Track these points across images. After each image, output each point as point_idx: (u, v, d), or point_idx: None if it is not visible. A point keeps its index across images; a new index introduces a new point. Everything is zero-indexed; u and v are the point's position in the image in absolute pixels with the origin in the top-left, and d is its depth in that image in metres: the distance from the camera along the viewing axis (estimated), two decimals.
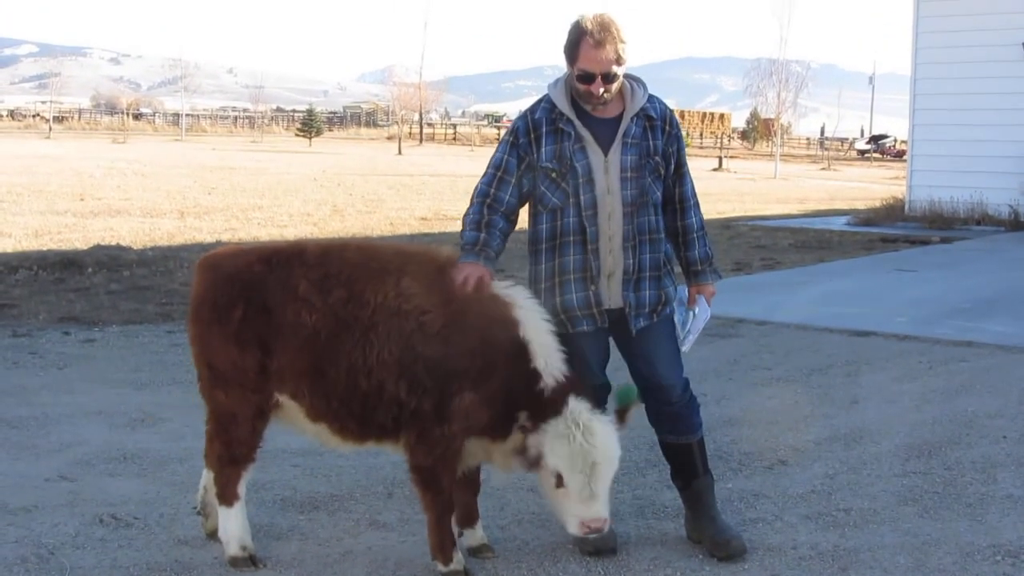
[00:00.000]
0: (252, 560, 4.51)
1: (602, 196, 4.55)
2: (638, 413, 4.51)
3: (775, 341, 9.43)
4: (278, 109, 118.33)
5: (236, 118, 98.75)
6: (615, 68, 4.46)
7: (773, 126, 57.56)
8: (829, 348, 9.12)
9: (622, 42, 4.47)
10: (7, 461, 5.84)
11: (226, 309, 4.40)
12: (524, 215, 4.75)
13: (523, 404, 4.20)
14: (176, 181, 27.99)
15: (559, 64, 4.63)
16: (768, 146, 68.94)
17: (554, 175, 4.55)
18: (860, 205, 25.18)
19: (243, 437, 4.47)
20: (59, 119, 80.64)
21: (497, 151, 4.65)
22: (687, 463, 4.85)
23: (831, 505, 5.32)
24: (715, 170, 46.15)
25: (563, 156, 4.54)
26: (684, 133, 5.09)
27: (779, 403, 7.34)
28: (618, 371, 4.83)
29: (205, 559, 4.59)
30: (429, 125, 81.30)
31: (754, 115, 77.99)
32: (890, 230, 19.70)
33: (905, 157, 24.28)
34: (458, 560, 4.38)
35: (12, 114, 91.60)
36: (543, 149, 4.56)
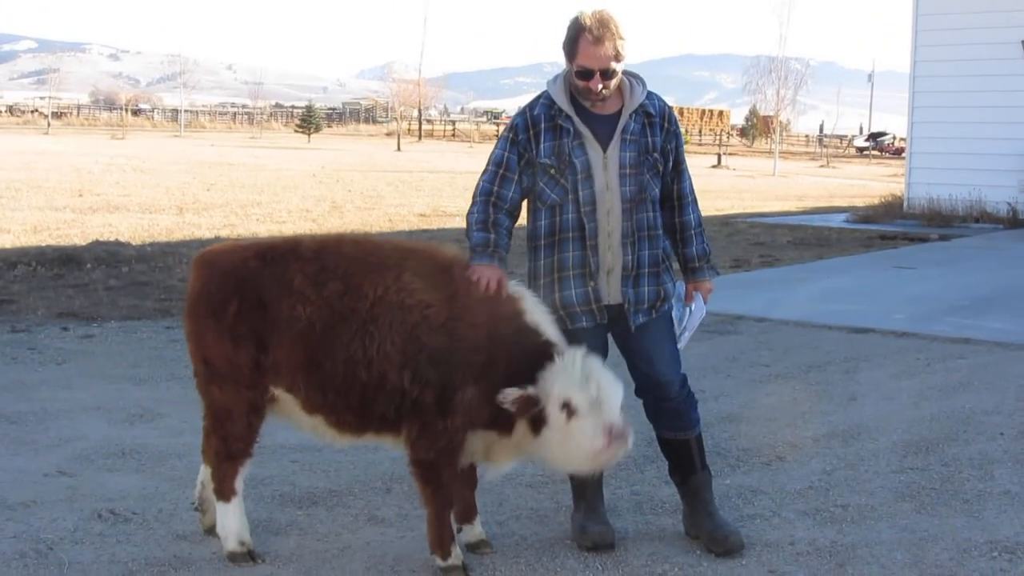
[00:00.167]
0: (251, 555, 4.51)
1: (601, 192, 4.56)
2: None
3: (774, 338, 9.44)
4: (277, 105, 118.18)
5: (235, 114, 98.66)
6: (614, 64, 4.47)
7: (772, 123, 57.54)
8: (827, 345, 9.13)
9: (621, 38, 4.47)
10: (6, 456, 5.84)
11: (221, 305, 4.41)
12: (523, 210, 4.75)
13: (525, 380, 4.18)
14: (175, 177, 27.98)
15: (558, 61, 4.64)
16: (767, 143, 68.97)
17: (553, 171, 4.56)
18: (859, 202, 25.21)
19: (239, 432, 4.48)
20: (58, 115, 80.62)
21: (497, 148, 4.66)
22: (685, 459, 4.86)
23: (829, 501, 5.33)
24: (714, 167, 46.18)
25: (562, 152, 4.54)
26: (683, 130, 5.09)
27: (777, 399, 7.35)
28: (617, 367, 4.82)
29: (204, 554, 4.60)
30: (428, 121, 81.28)
31: (753, 112, 78.06)
32: (889, 227, 19.72)
33: (904, 154, 24.28)
34: (456, 555, 4.39)
35: (11, 110, 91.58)
36: (542, 145, 4.56)
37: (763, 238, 17.92)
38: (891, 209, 21.95)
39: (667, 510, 5.17)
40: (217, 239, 14.03)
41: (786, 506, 5.27)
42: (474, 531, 4.67)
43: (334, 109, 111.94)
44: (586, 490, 4.81)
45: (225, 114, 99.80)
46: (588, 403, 4.07)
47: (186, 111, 79.12)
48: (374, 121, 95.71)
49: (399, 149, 54.67)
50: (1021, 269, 14.40)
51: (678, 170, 4.77)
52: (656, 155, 4.63)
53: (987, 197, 20.22)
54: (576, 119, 4.56)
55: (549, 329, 4.35)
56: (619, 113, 4.60)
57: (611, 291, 4.62)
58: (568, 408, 4.09)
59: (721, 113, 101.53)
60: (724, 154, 52.48)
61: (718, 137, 78.95)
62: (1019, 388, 7.54)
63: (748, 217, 21.86)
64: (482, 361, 4.21)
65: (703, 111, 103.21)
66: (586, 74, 4.48)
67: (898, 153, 60.61)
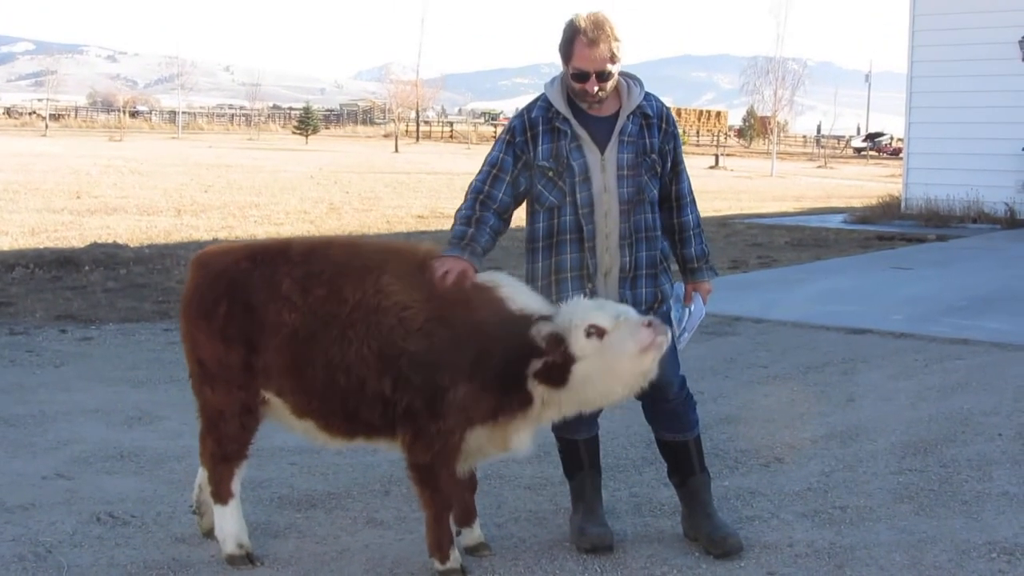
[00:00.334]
0: (249, 558, 4.51)
1: (599, 194, 4.56)
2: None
3: (772, 339, 9.44)
4: (275, 107, 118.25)
5: (233, 116, 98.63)
6: (609, 66, 4.47)
7: (770, 124, 57.55)
8: (825, 346, 9.14)
9: (616, 40, 4.47)
10: (4, 459, 5.84)
11: (212, 305, 4.42)
12: (521, 213, 4.75)
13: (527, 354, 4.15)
14: (173, 179, 27.98)
15: (556, 62, 4.64)
16: (765, 144, 68.96)
17: (551, 174, 4.56)
18: (856, 203, 25.22)
19: (233, 434, 4.48)
20: (55, 117, 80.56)
21: (493, 149, 4.66)
22: (684, 461, 4.86)
23: (827, 503, 5.33)
24: (711, 168, 46.21)
25: (559, 155, 4.54)
26: (680, 131, 5.10)
27: (775, 401, 7.36)
28: None
29: (202, 557, 4.59)
30: (426, 123, 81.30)
31: (751, 113, 78.04)
32: (886, 228, 19.73)
33: (901, 155, 24.29)
34: (455, 558, 4.38)
35: (8, 112, 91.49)
36: (539, 148, 4.57)
37: (761, 239, 17.92)
38: (889, 210, 21.96)
39: (666, 512, 5.17)
40: (215, 241, 14.02)
41: (785, 508, 5.27)
42: (473, 534, 4.67)
43: (332, 111, 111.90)
44: (585, 492, 4.82)
45: (223, 116, 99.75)
46: (612, 318, 4.09)
47: (184, 113, 79.11)
48: (372, 123, 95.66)
49: (397, 150, 54.67)
50: (1019, 269, 14.42)
51: (676, 171, 4.77)
52: (654, 156, 4.64)
53: (985, 197, 20.24)
54: (573, 121, 4.56)
55: (537, 305, 4.31)
56: (617, 115, 4.60)
57: (609, 293, 4.61)
58: (596, 329, 4.07)
59: (719, 114, 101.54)
60: (722, 155, 52.51)
61: (716, 138, 78.97)
62: (1017, 389, 7.54)
63: (746, 218, 21.87)
64: (471, 358, 4.19)
65: (701, 112, 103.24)
66: (582, 76, 4.48)
67: (895, 154, 60.63)
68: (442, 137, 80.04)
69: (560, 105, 4.56)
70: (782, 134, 63.26)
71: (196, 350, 4.51)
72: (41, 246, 14.18)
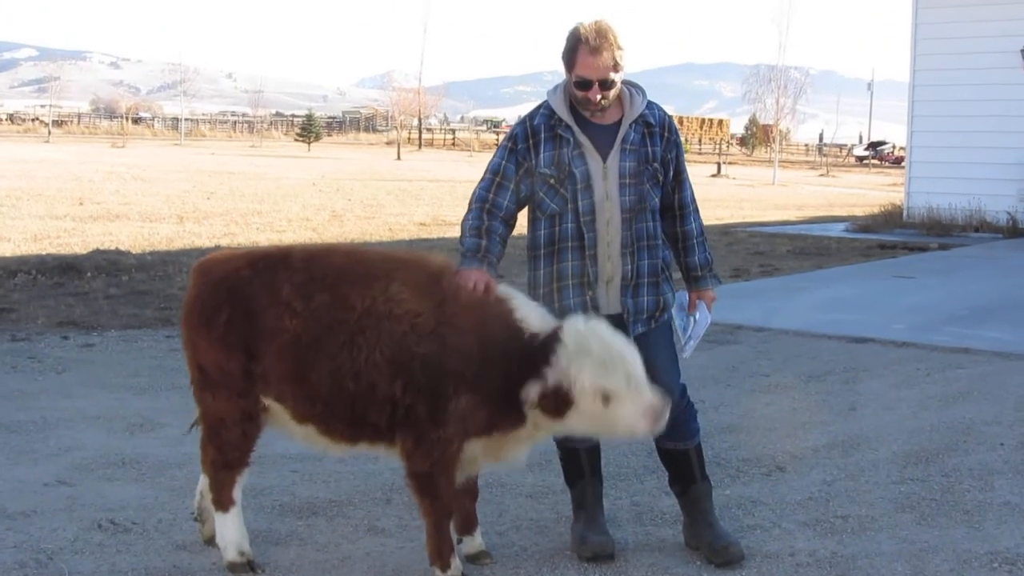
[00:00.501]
0: (250, 565, 4.51)
1: (600, 202, 4.56)
2: None
3: (773, 347, 9.44)
4: (277, 114, 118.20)
5: (235, 123, 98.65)
6: (612, 75, 4.48)
7: (772, 132, 57.57)
8: (827, 355, 9.13)
9: (619, 49, 4.49)
10: (6, 466, 5.84)
11: (213, 312, 4.43)
12: (523, 220, 4.76)
13: (527, 376, 4.14)
14: (175, 186, 28.01)
15: (558, 70, 4.65)
16: (767, 152, 69.02)
17: (552, 181, 4.57)
18: (858, 212, 25.22)
19: (234, 441, 4.48)
20: (58, 123, 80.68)
21: (495, 156, 4.67)
22: (685, 469, 4.86)
23: (829, 512, 5.32)
24: (714, 176, 46.22)
25: (561, 162, 4.55)
26: (683, 139, 5.10)
27: (777, 410, 7.35)
28: None
29: (203, 564, 4.59)
30: (428, 130, 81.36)
31: (753, 121, 78.06)
32: (888, 237, 19.74)
33: (903, 164, 24.29)
34: (456, 566, 4.38)
35: (11, 118, 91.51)
36: (542, 155, 4.58)
37: (762, 247, 17.93)
38: (891, 218, 21.96)
39: (667, 521, 5.17)
40: (217, 248, 14.02)
41: (786, 517, 5.26)
42: (474, 542, 4.67)
43: (334, 118, 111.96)
44: (586, 500, 4.81)
45: (225, 123, 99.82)
46: (624, 386, 4.04)
47: (186, 120, 79.25)
48: (374, 130, 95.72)
49: (399, 158, 54.72)
50: (1021, 279, 14.40)
51: (679, 180, 4.77)
52: (656, 165, 4.64)
53: (986, 206, 20.23)
54: (576, 129, 4.57)
55: (544, 321, 4.30)
56: (619, 123, 4.61)
57: (610, 301, 4.62)
58: (606, 397, 4.05)
59: (721, 122, 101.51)
60: (724, 163, 52.52)
61: (718, 146, 78.95)
62: (1019, 398, 7.54)
63: (748, 226, 21.87)
64: (475, 368, 4.20)
65: (703, 120, 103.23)
66: (584, 84, 4.49)
67: (898, 162, 60.65)
68: (444, 144, 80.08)
69: (563, 112, 4.57)
70: (784, 142, 63.27)
71: (197, 357, 4.52)
72: (43, 252, 14.19)
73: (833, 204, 30.72)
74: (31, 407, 7.01)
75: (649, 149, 4.63)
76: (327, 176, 35.55)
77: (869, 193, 36.37)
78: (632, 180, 4.58)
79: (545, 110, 4.64)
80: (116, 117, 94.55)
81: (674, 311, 4.83)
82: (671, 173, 4.73)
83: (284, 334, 4.30)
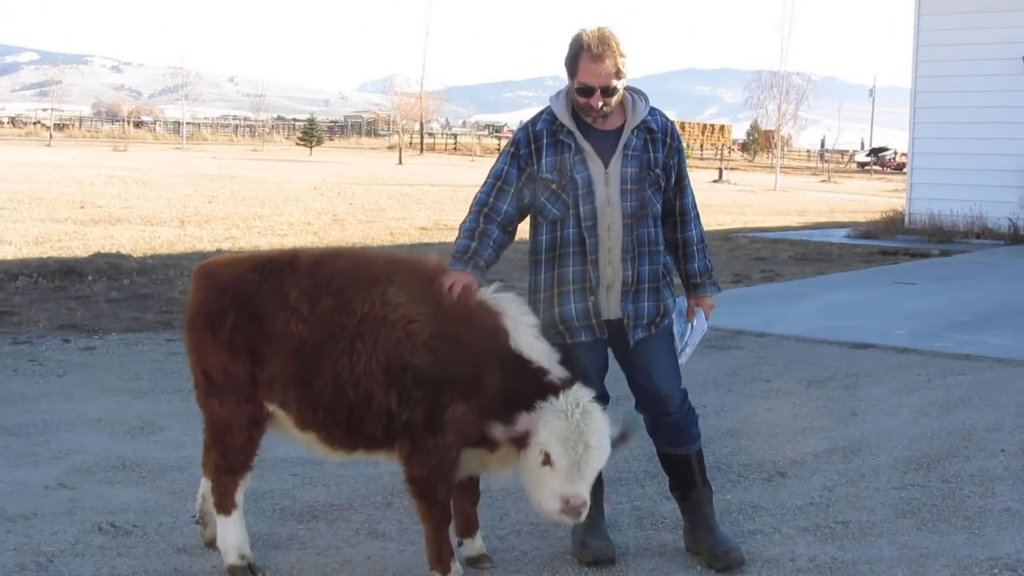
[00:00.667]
0: (251, 569, 4.51)
1: (602, 208, 4.57)
2: (638, 437, 4.49)
3: (774, 353, 9.44)
4: (279, 118, 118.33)
5: (237, 127, 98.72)
6: (614, 82, 4.48)
7: (773, 138, 57.62)
8: (828, 360, 9.13)
9: (622, 56, 4.49)
10: (6, 468, 5.84)
11: (219, 317, 4.42)
12: (525, 226, 4.77)
13: (519, 406, 4.15)
14: (176, 189, 28.02)
15: (560, 75, 4.65)
16: (768, 158, 69.01)
17: (554, 186, 4.57)
18: (860, 218, 25.21)
19: (239, 446, 4.48)
20: (60, 127, 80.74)
21: (498, 161, 4.68)
22: (685, 474, 4.86)
23: (829, 517, 5.32)
24: (715, 182, 46.20)
25: (563, 168, 4.56)
26: (684, 145, 5.11)
27: (778, 415, 7.35)
28: (617, 382, 4.84)
29: (204, 568, 4.60)
30: (430, 135, 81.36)
31: (754, 127, 78.05)
32: (890, 243, 19.73)
33: (905, 170, 24.30)
34: (456, 570, 4.38)
35: (13, 121, 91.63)
36: (543, 160, 4.58)
37: (764, 253, 17.93)
38: (892, 224, 21.96)
39: (668, 525, 5.17)
40: (218, 252, 14.05)
41: (787, 522, 5.26)
42: (475, 545, 4.67)
43: (336, 122, 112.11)
44: None
45: (227, 126, 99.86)
46: (567, 465, 4.06)
47: (188, 123, 79.24)
48: (376, 134, 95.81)
49: (401, 162, 54.70)
50: (1022, 285, 14.42)
51: (680, 186, 4.78)
52: (658, 171, 4.65)
53: (988, 213, 20.24)
54: (578, 134, 4.57)
55: (542, 354, 4.30)
56: (621, 129, 4.61)
57: (611, 306, 4.63)
58: (546, 457, 4.07)
59: (722, 128, 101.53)
60: (725, 169, 52.50)
61: (719, 152, 78.95)
62: (1020, 405, 7.54)
63: (749, 232, 21.88)
64: (471, 378, 4.21)
65: (704, 125, 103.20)
66: (587, 91, 4.50)
67: (899, 168, 60.67)
68: (446, 149, 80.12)
69: (565, 118, 4.58)
70: (786, 148, 63.35)
71: (202, 362, 4.51)
72: (45, 256, 14.19)
73: (835, 210, 30.73)
74: (32, 410, 7.01)
75: (651, 155, 4.63)
76: (329, 180, 35.55)
77: (871, 199, 36.37)
78: (634, 186, 4.58)
79: (547, 115, 4.65)
80: (117, 121, 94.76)
81: (672, 316, 4.83)
82: (673, 179, 4.73)
83: (290, 339, 4.30)
